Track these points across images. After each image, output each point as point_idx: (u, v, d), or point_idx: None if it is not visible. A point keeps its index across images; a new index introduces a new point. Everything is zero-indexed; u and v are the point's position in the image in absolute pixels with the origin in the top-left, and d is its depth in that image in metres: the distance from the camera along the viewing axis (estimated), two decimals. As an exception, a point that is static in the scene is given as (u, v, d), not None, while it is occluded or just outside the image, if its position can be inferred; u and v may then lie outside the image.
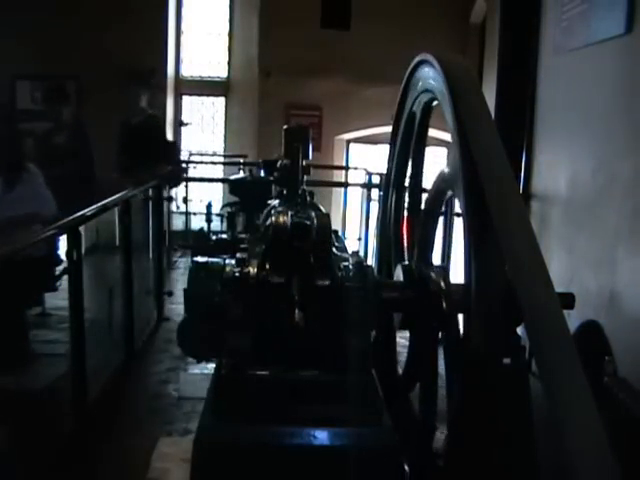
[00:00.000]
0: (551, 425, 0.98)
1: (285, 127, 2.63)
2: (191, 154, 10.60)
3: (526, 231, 1.22)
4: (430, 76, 1.67)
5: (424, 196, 1.98)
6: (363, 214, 7.89)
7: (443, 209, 1.87)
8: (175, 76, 10.52)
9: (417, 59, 1.78)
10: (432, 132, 2.06)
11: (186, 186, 9.21)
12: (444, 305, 1.55)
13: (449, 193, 1.64)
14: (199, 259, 1.76)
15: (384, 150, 2.59)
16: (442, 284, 1.59)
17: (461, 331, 1.51)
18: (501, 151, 1.33)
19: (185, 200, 9.15)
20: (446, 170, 1.63)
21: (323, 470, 1.47)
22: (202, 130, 10.96)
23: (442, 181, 1.67)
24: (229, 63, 10.78)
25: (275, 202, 2.49)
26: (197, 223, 8.76)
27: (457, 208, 5.80)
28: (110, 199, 4.48)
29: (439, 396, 1.67)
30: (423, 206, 1.86)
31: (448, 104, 1.44)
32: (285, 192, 2.47)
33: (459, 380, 1.41)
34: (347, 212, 9.12)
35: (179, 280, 7.17)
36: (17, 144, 5.20)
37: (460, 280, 1.48)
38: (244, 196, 4.10)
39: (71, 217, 3.71)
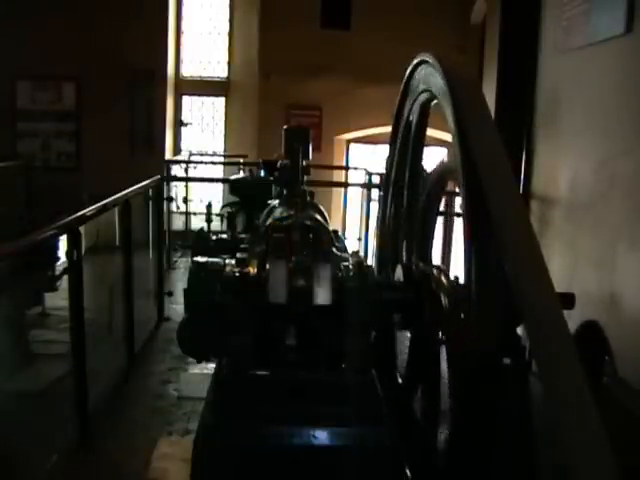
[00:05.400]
0: (551, 425, 0.98)
1: (285, 127, 2.63)
2: (191, 154, 10.61)
3: (526, 231, 1.22)
4: (430, 76, 1.67)
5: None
6: (363, 214, 7.89)
7: (442, 209, 1.87)
8: (175, 76, 10.52)
9: (417, 59, 1.78)
10: (432, 132, 2.06)
11: (186, 186, 9.22)
12: (444, 303, 1.55)
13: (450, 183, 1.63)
14: (199, 259, 1.76)
15: (384, 150, 2.59)
16: (444, 281, 1.59)
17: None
18: (501, 151, 1.33)
19: (185, 200, 9.16)
20: (447, 159, 1.63)
21: (323, 470, 1.47)
22: (202, 130, 10.97)
23: (443, 170, 1.67)
24: (229, 63, 10.78)
25: (275, 202, 2.49)
26: (197, 223, 8.77)
27: (457, 208, 5.80)
28: (110, 199, 4.48)
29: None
30: (423, 200, 1.86)
31: (448, 104, 1.44)
32: (285, 192, 2.47)
33: (459, 380, 1.41)
34: (347, 212, 9.12)
35: (179, 280, 7.18)
36: None
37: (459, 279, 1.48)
38: (244, 196, 4.10)
39: (71, 217, 3.71)
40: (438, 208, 1.85)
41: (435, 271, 1.65)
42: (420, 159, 1.99)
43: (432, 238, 1.86)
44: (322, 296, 1.59)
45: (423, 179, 1.91)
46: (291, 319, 1.64)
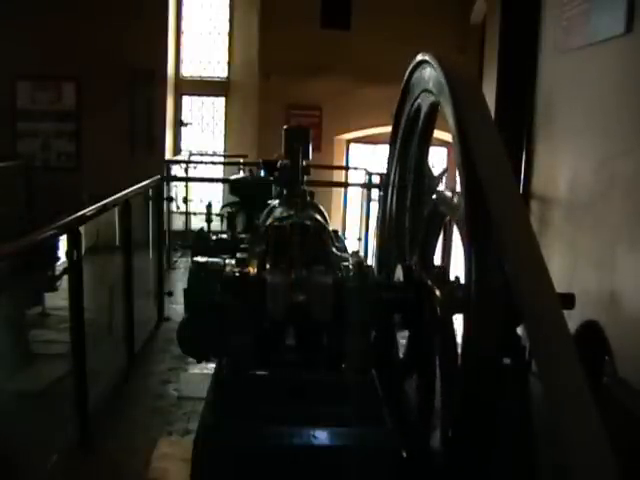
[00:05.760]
0: (551, 425, 0.98)
1: (285, 127, 2.63)
2: (191, 154, 10.60)
3: (526, 231, 1.22)
4: (430, 76, 1.67)
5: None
6: (363, 214, 7.89)
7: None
8: (175, 76, 10.52)
9: (417, 59, 1.78)
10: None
11: (186, 186, 9.22)
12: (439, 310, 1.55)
13: (447, 218, 1.66)
14: (199, 259, 1.76)
15: (384, 150, 2.59)
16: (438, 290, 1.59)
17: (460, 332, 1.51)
18: (501, 151, 1.33)
19: (185, 200, 9.15)
20: (447, 194, 1.64)
21: (323, 470, 1.47)
22: (202, 130, 10.96)
23: (442, 204, 1.68)
24: (229, 63, 10.78)
25: (275, 202, 2.49)
26: (197, 223, 8.76)
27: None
28: (110, 199, 4.48)
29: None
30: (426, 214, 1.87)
31: (448, 104, 1.44)
32: (285, 192, 2.48)
33: (459, 380, 1.41)
34: (347, 212, 9.11)
35: (179, 280, 7.17)
36: None
37: (460, 280, 1.49)
38: (244, 196, 4.11)
39: (71, 217, 3.70)
40: (440, 231, 1.86)
41: (430, 282, 1.65)
42: (426, 159, 1.99)
43: (434, 250, 1.86)
44: (321, 313, 1.59)
45: (429, 179, 1.91)
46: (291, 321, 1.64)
